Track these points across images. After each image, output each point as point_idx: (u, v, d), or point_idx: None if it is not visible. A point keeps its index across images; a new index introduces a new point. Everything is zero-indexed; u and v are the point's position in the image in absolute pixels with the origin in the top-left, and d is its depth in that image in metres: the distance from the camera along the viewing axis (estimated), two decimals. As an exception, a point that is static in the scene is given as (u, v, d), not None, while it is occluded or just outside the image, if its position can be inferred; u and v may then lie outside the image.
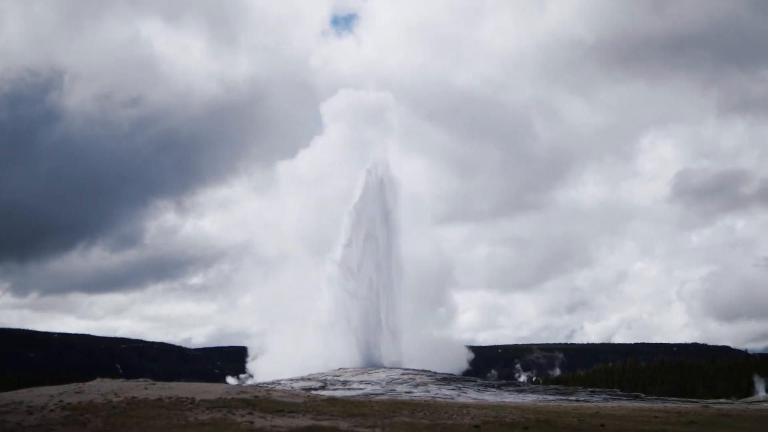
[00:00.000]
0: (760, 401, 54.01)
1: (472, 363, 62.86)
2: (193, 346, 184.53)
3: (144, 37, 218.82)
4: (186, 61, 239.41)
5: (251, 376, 61.53)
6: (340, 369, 49.34)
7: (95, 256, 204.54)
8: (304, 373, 47.56)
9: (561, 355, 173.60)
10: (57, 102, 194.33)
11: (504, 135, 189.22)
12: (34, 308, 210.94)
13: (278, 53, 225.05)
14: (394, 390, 40.11)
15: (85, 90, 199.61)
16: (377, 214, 58.31)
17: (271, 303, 60.57)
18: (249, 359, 61.69)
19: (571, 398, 42.20)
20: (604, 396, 44.59)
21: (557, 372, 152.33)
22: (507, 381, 56.04)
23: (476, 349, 69.57)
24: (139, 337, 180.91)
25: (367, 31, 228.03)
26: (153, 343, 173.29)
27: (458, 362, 60.80)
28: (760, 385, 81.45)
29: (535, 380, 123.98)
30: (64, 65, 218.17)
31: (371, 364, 51.67)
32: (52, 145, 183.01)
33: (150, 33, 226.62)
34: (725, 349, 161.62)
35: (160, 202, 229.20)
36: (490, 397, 40.01)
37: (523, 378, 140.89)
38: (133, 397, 23.82)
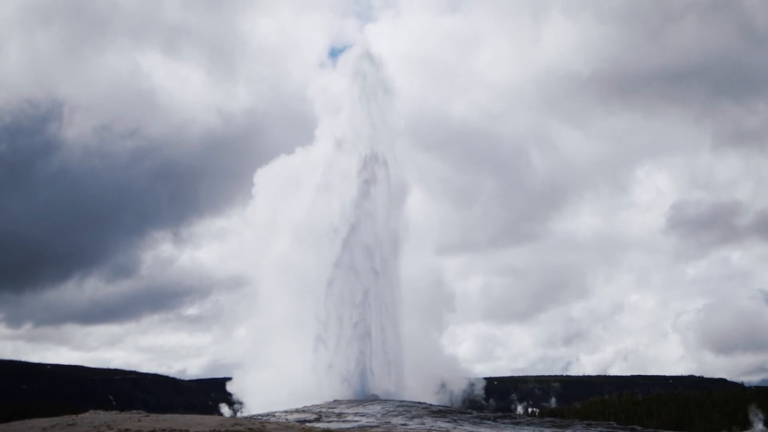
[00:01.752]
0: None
1: (466, 395, 62.26)
2: (187, 378, 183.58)
3: (143, 69, 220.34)
4: (184, 92, 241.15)
5: (243, 404, 60.91)
6: (334, 401, 49.02)
7: (91, 287, 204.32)
8: (299, 405, 47.25)
9: (557, 385, 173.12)
10: (56, 133, 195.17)
11: (500, 165, 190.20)
12: (27, 339, 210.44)
13: (276, 84, 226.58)
14: (389, 422, 39.91)
15: (84, 121, 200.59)
16: (374, 241, 57.71)
17: (265, 334, 60.02)
18: (233, 387, 60.88)
19: (567, 431, 41.99)
20: (600, 429, 44.35)
21: (553, 403, 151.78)
22: (503, 413, 55.64)
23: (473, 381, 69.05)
24: (133, 369, 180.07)
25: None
26: (147, 374, 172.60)
27: (459, 392, 60.30)
28: (756, 418, 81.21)
29: (531, 412, 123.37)
30: (63, 97, 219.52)
31: (366, 396, 51.38)
32: (50, 175, 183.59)
33: (149, 65, 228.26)
34: (721, 382, 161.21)
35: (157, 233, 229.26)
36: (486, 429, 39.81)
37: (519, 410, 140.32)
38: (126, 430, 23.76)
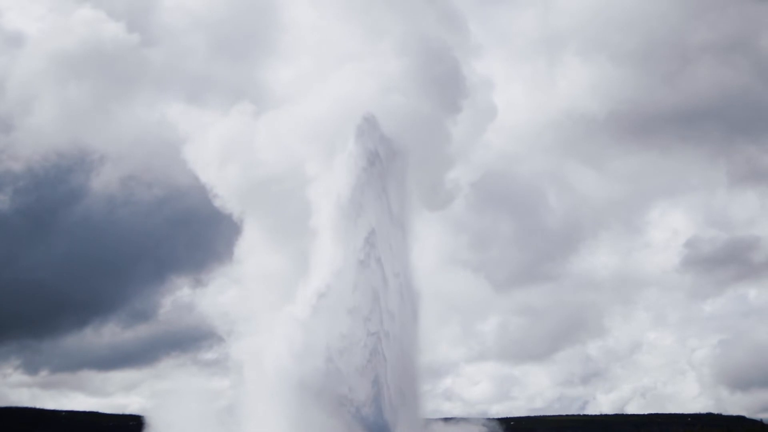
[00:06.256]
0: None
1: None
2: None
3: (169, 120, 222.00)
4: (207, 141, 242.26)
5: None
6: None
7: (108, 332, 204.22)
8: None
9: (574, 424, 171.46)
10: (82, 183, 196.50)
11: (518, 207, 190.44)
12: (43, 386, 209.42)
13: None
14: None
15: (110, 172, 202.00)
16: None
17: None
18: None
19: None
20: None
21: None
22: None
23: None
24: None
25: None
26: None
27: None
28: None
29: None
30: (91, 148, 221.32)
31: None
32: (73, 224, 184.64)
33: (174, 115, 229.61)
34: (740, 419, 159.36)
35: (177, 279, 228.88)
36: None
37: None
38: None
